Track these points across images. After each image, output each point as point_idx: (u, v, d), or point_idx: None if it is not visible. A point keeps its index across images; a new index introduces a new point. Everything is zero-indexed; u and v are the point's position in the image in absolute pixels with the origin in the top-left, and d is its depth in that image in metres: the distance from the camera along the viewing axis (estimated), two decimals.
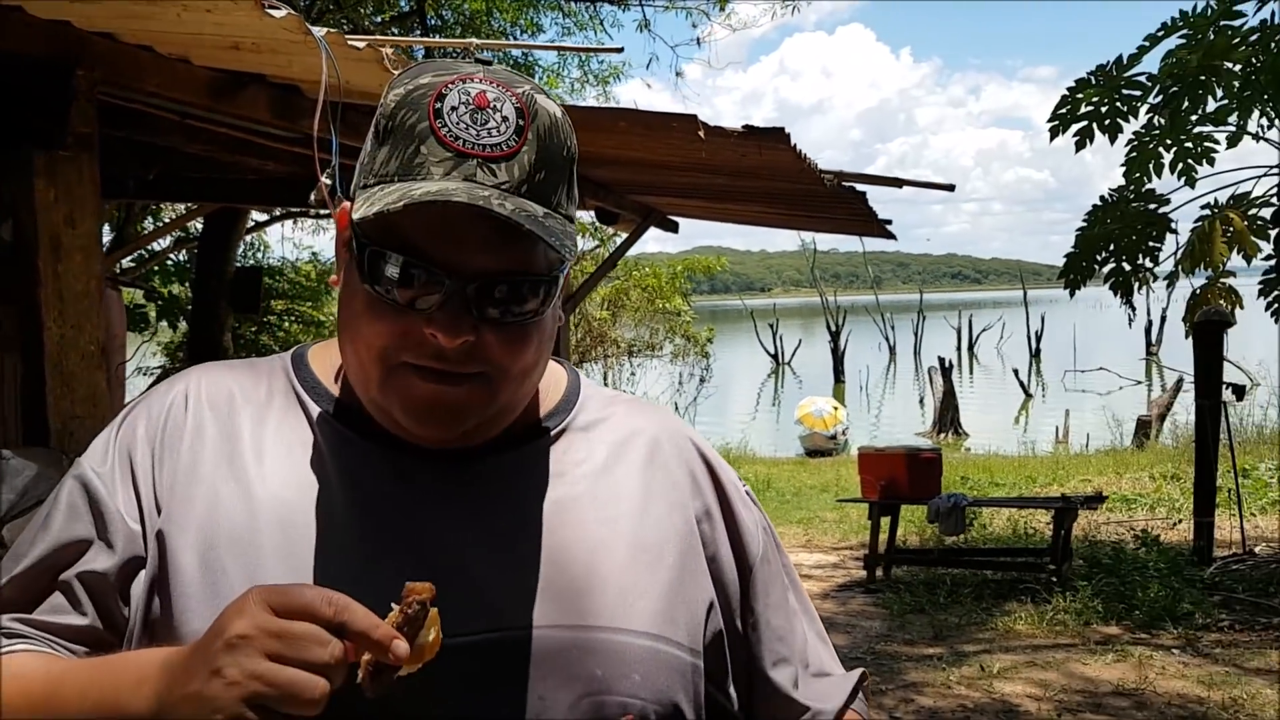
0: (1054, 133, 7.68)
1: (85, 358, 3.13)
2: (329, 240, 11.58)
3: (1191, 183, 7.51)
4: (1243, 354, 19.07)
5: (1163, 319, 27.82)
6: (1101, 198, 7.68)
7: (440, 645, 0.78)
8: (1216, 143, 7.40)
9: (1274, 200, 7.11)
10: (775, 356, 38.76)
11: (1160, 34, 7.06)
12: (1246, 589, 6.73)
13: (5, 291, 3.14)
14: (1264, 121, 7.24)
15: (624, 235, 7.01)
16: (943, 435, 18.19)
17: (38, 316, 3.02)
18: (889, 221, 6.02)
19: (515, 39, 10.40)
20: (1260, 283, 7.41)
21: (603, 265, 7.24)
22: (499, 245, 0.86)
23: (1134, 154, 7.58)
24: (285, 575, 0.86)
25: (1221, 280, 7.58)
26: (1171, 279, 7.40)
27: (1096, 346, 31.53)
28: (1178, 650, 5.76)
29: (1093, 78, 7.29)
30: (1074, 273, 7.75)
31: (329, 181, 2.85)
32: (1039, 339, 37.32)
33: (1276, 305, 7.37)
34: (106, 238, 8.68)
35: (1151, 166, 7.57)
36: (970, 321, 41.45)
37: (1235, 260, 7.43)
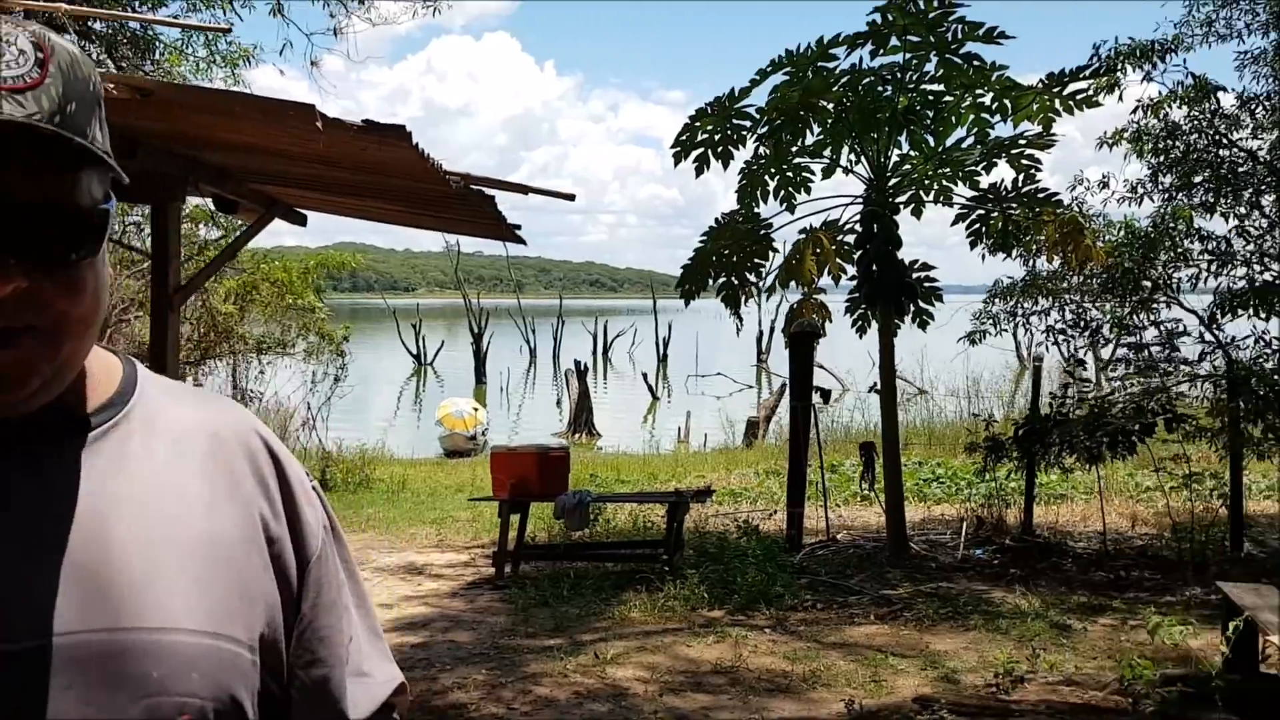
0: (677, 158, 8.24)
1: None
2: None
3: (792, 208, 8.32)
4: (835, 362, 21.35)
5: (771, 329, 30.39)
6: (716, 219, 8.33)
7: None
8: (813, 173, 8.26)
9: (859, 227, 8.02)
10: (417, 357, 38.35)
11: (769, 69, 7.76)
12: (829, 571, 7.51)
13: None
14: (853, 156, 8.15)
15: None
16: (578, 435, 18.82)
17: None
18: (518, 226, 6.18)
19: (136, 10, 9.63)
20: (847, 300, 8.35)
21: (221, 254, 6.87)
22: (40, 174, 0.80)
23: (745, 180, 8.29)
24: None
25: (814, 296, 8.46)
26: (771, 293, 8.18)
27: (717, 353, 33.82)
28: (769, 629, 6.31)
29: (709, 108, 7.89)
30: (689, 284, 8.36)
31: None
32: (667, 345, 39.50)
33: (860, 322, 8.33)
34: None
35: (759, 192, 8.32)
36: (605, 327, 43.14)
37: (830, 279, 8.33)
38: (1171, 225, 7.24)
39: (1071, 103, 7.39)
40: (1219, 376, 7.37)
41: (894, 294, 7.77)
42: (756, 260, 8.29)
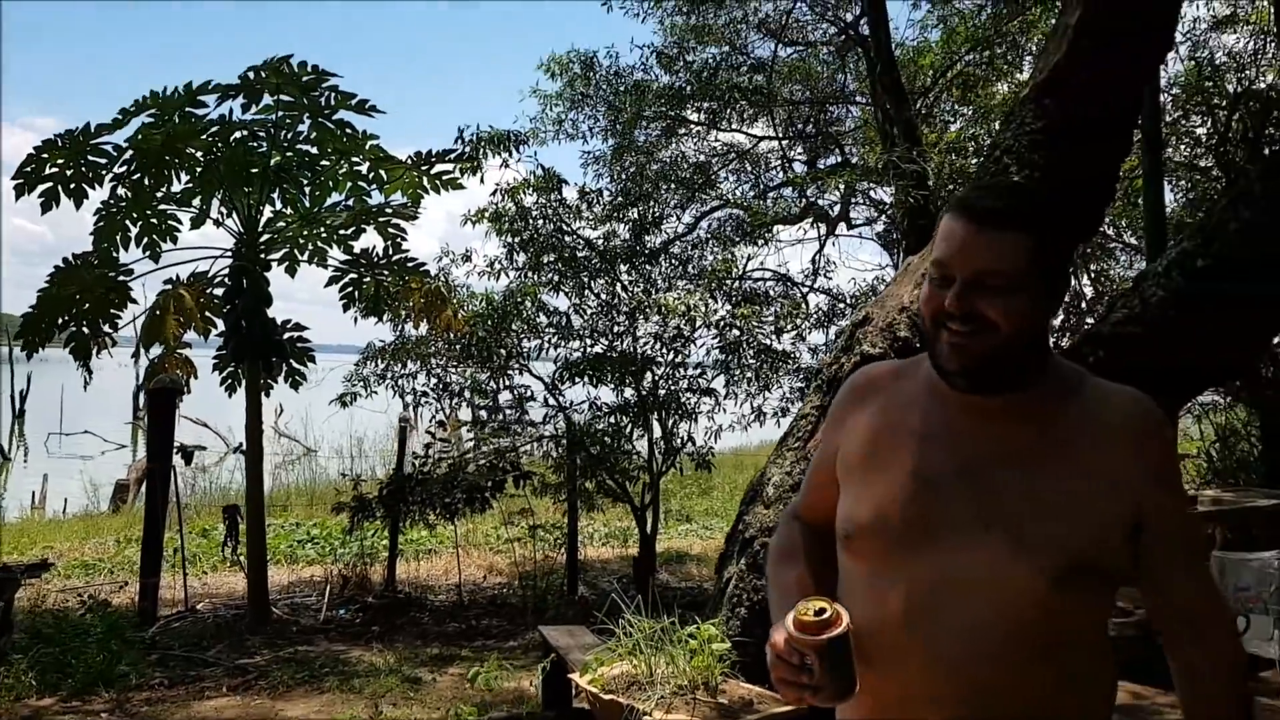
0: (19, 190, 7.38)
1: None
2: None
3: (155, 256, 7.82)
4: (222, 420, 20.36)
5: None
6: (65, 260, 7.56)
7: None
8: (180, 221, 7.86)
9: (228, 280, 7.76)
10: None
11: (133, 109, 7.28)
12: (184, 644, 7.06)
13: None
14: (224, 208, 7.89)
15: None
16: None
17: None
18: None
19: None
20: (215, 358, 8.01)
21: None
22: None
23: (102, 222, 7.65)
24: None
25: (179, 351, 8.01)
26: (137, 349, 7.60)
27: (86, 409, 30.62)
28: (107, 714, 5.78)
29: (59, 140, 7.20)
30: (33, 334, 7.48)
31: None
32: (24, 399, 34.93)
33: (230, 379, 8.04)
34: None
35: (119, 237, 7.72)
36: None
37: (200, 334, 7.94)
38: (519, 301, 7.98)
39: (439, 181, 7.88)
40: (560, 437, 8.23)
41: (262, 351, 7.62)
42: (113, 310, 7.67)
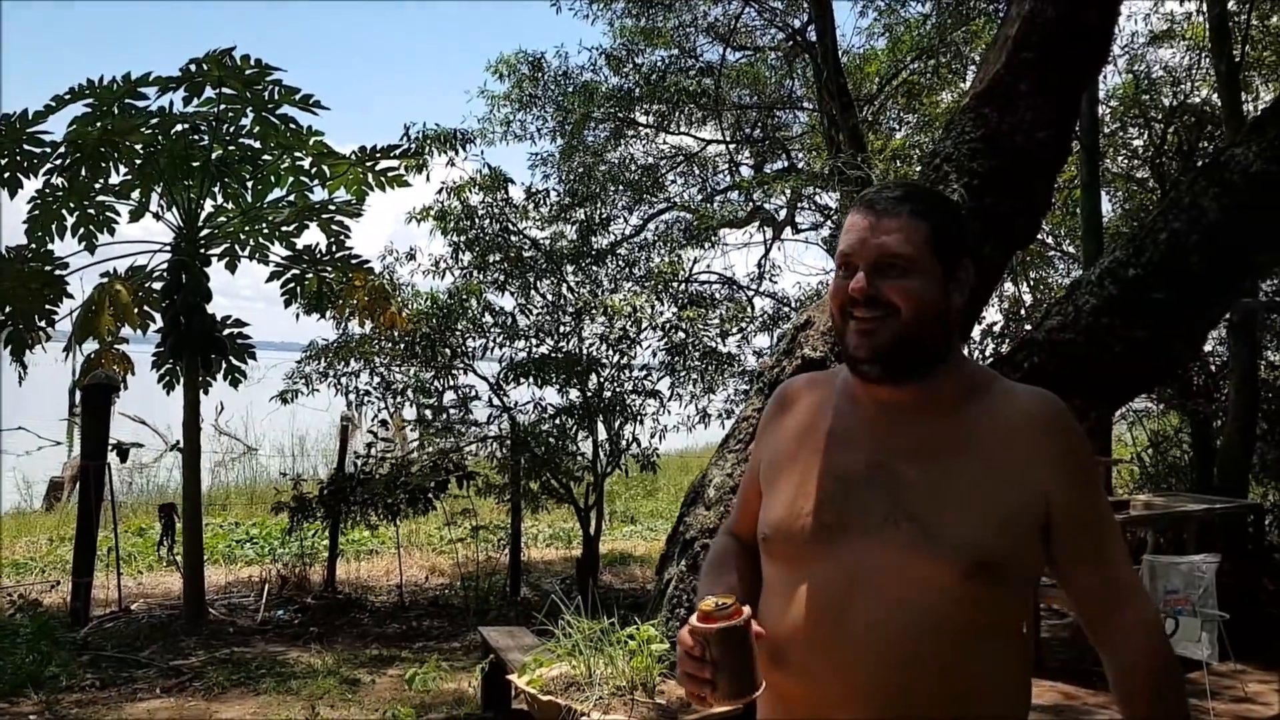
0: None
1: None
2: None
3: (92, 249, 7.68)
4: (161, 418, 19.96)
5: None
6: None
7: None
8: (119, 214, 7.72)
9: (167, 275, 7.63)
10: None
11: (67, 97, 7.12)
12: (117, 645, 6.93)
13: None
14: (164, 201, 7.75)
15: None
16: None
17: None
18: None
19: None
20: (153, 355, 7.87)
21: None
22: None
23: (37, 212, 7.50)
24: None
25: (116, 346, 7.85)
26: (69, 344, 7.44)
27: (22, 405, 29.91)
28: (36, 716, 5.66)
29: None
30: None
31: None
32: None
33: (168, 376, 7.90)
34: None
35: (54, 228, 7.57)
36: None
37: (138, 330, 7.79)
38: (464, 300, 7.93)
39: (384, 179, 7.81)
40: (504, 437, 8.20)
41: (201, 348, 7.51)
42: (49, 305, 7.51)
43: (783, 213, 13.17)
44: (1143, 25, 15.28)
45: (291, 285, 7.97)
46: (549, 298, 8.25)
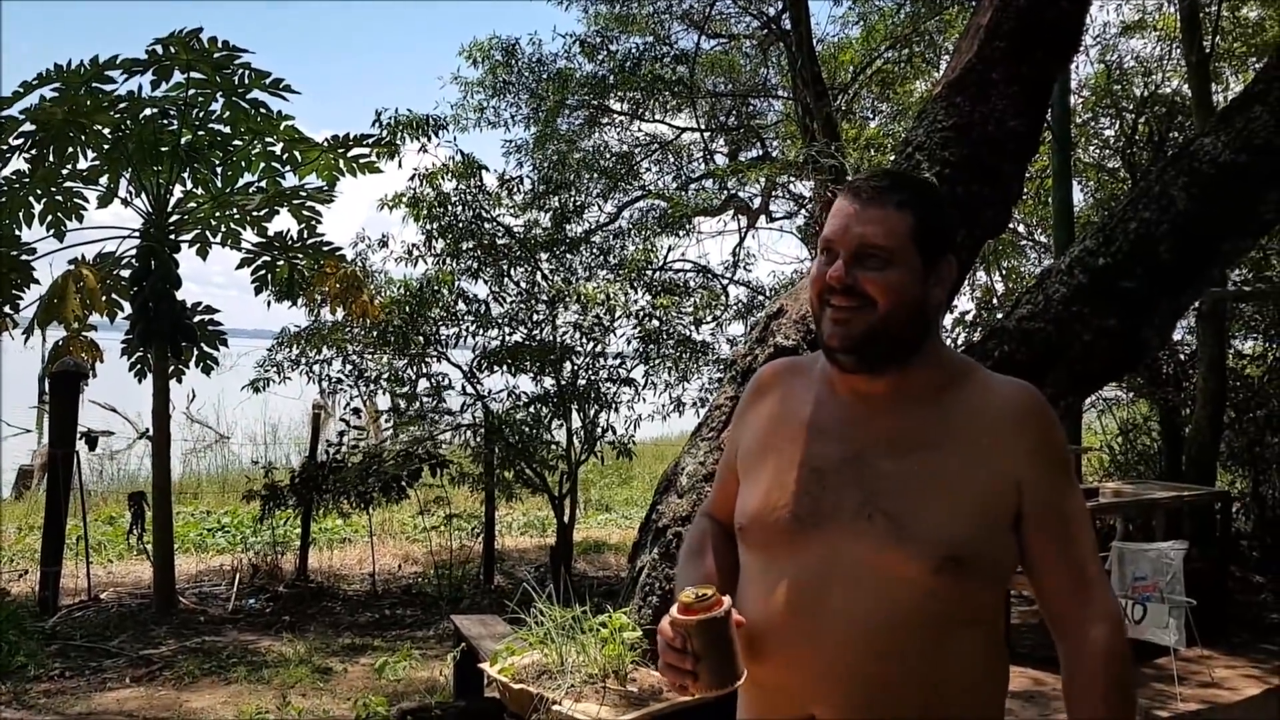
0: None
1: None
2: None
3: (60, 235, 7.59)
4: (132, 405, 19.78)
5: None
6: None
7: None
8: (87, 200, 7.62)
9: (135, 261, 7.55)
10: None
11: (35, 82, 7.03)
12: (86, 635, 6.88)
13: None
14: (132, 187, 7.66)
15: None
16: None
17: None
18: None
19: None
20: (123, 342, 7.78)
21: None
22: None
23: (3, 199, 7.40)
24: None
25: (84, 333, 7.77)
26: (30, 330, 7.35)
27: None
28: (3, 706, 5.61)
29: None
30: None
31: None
32: None
33: (139, 365, 7.83)
34: None
35: (22, 214, 7.47)
36: None
37: (105, 316, 7.70)
38: (437, 288, 7.88)
39: (355, 165, 7.75)
40: (478, 426, 8.17)
41: (171, 335, 7.43)
42: (15, 291, 7.41)
43: (757, 201, 13.18)
44: (1114, 15, 15.42)
45: (262, 272, 7.90)
46: (523, 285, 8.21)
